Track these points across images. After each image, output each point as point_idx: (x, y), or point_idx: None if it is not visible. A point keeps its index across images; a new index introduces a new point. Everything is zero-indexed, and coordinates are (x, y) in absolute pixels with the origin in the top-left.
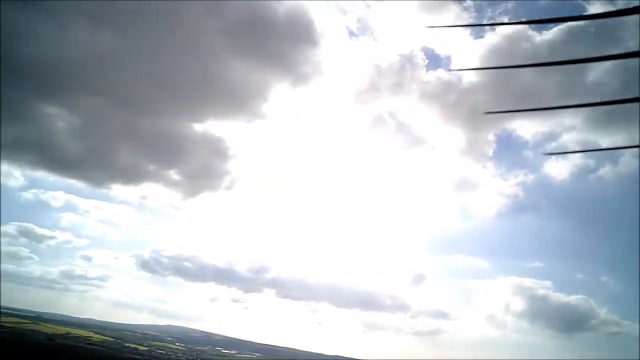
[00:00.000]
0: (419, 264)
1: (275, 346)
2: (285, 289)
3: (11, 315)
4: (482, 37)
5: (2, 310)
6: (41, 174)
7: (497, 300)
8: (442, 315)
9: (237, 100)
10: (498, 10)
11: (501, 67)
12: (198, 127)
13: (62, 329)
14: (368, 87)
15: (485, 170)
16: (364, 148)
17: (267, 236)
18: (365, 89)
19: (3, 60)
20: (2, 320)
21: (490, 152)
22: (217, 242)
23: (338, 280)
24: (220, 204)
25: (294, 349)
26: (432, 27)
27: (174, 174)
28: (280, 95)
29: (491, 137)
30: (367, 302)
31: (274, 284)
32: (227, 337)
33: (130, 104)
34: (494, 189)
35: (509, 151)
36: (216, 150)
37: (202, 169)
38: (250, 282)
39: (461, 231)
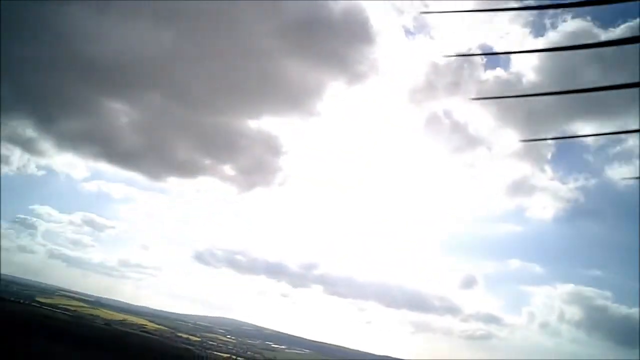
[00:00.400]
0: (471, 267)
1: (323, 343)
2: (334, 286)
3: (74, 298)
4: (542, 35)
5: (67, 293)
6: (104, 166)
7: (552, 308)
8: (493, 320)
9: (292, 98)
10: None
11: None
12: (253, 124)
13: (119, 316)
14: (424, 86)
15: (542, 174)
16: (417, 148)
17: (317, 233)
18: (420, 88)
19: (72, 59)
20: (65, 303)
21: (549, 155)
22: (269, 237)
23: (387, 280)
24: (273, 200)
25: (343, 347)
26: (427, 12)
27: (229, 169)
28: (335, 93)
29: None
30: (416, 303)
31: (323, 280)
32: (277, 331)
33: (189, 101)
34: (552, 193)
35: (569, 154)
36: (270, 146)
37: (256, 165)
38: (299, 278)
39: (516, 235)
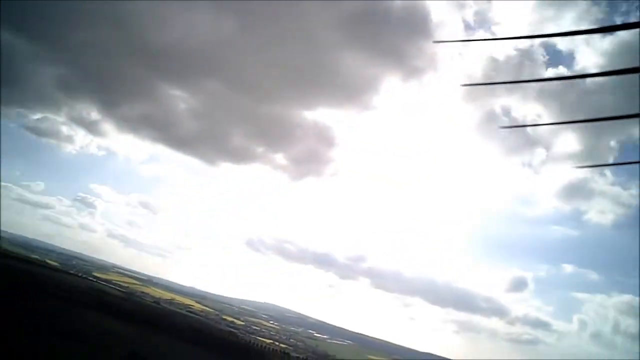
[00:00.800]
0: (522, 269)
1: (366, 336)
2: (380, 280)
3: (127, 275)
4: (611, 33)
5: (122, 270)
6: (161, 149)
7: (606, 318)
8: (542, 325)
9: (349, 91)
10: (635, 5)
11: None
12: (308, 115)
13: (168, 294)
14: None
15: (602, 178)
16: (472, 145)
17: (367, 226)
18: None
19: (136, 45)
20: (119, 280)
21: (611, 159)
22: (318, 227)
23: (434, 277)
24: (323, 190)
25: (385, 341)
26: (438, 42)
27: (281, 158)
28: (391, 87)
29: (614, 143)
30: (463, 303)
31: (370, 273)
32: (320, 321)
33: (247, 89)
34: (612, 198)
35: (634, 159)
36: (324, 137)
37: (308, 155)
38: (347, 269)
39: (572, 239)
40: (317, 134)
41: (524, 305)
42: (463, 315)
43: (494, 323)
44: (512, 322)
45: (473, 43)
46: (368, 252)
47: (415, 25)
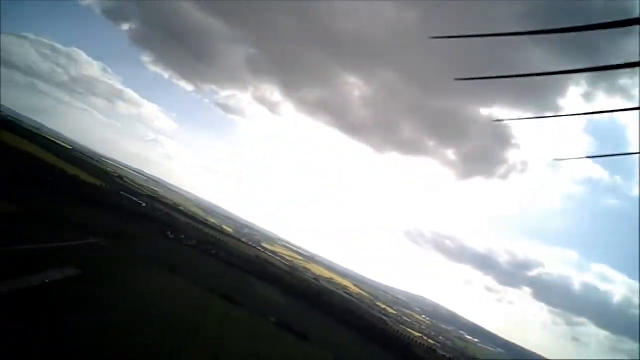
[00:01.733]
0: None
1: (519, 347)
2: (545, 292)
3: (292, 250)
4: None
5: (288, 245)
6: (334, 133)
7: None
8: None
9: (530, 90)
10: None
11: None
12: (485, 112)
13: (327, 274)
14: None
15: None
16: None
17: (535, 235)
18: None
19: (319, 32)
20: (284, 253)
21: None
22: (481, 228)
23: (608, 299)
24: (491, 191)
25: (540, 356)
26: (436, 37)
27: (451, 154)
28: (581, 90)
29: None
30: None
31: (534, 283)
32: (473, 323)
33: (422, 82)
34: None
35: None
36: (499, 137)
37: (480, 154)
38: (509, 276)
39: None
40: (492, 132)
41: None
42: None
43: None
44: None
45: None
46: (535, 261)
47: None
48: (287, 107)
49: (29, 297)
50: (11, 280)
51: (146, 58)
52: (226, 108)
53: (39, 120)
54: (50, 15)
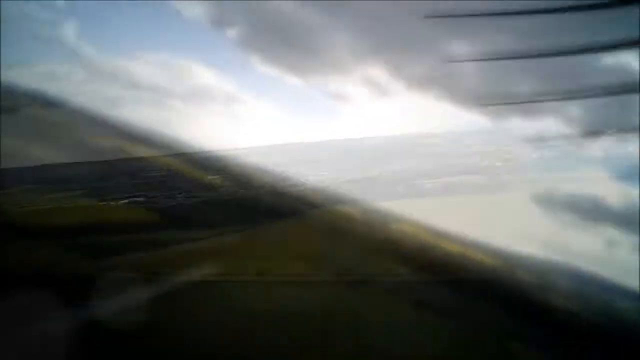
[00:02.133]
0: None
1: None
2: None
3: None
4: None
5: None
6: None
7: None
8: None
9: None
10: None
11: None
12: None
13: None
14: None
15: None
16: None
17: None
18: None
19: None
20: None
21: None
22: None
23: None
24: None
25: None
26: (431, 16)
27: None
28: None
29: None
30: None
31: None
32: None
33: None
34: None
35: None
36: None
37: None
38: None
39: None
40: None
41: None
42: None
43: None
44: None
45: None
46: None
47: None
48: (397, 87)
49: None
50: None
51: (254, 58)
52: (336, 97)
53: (167, 132)
54: (158, 31)
